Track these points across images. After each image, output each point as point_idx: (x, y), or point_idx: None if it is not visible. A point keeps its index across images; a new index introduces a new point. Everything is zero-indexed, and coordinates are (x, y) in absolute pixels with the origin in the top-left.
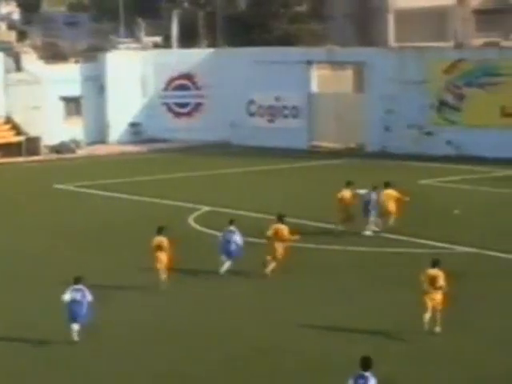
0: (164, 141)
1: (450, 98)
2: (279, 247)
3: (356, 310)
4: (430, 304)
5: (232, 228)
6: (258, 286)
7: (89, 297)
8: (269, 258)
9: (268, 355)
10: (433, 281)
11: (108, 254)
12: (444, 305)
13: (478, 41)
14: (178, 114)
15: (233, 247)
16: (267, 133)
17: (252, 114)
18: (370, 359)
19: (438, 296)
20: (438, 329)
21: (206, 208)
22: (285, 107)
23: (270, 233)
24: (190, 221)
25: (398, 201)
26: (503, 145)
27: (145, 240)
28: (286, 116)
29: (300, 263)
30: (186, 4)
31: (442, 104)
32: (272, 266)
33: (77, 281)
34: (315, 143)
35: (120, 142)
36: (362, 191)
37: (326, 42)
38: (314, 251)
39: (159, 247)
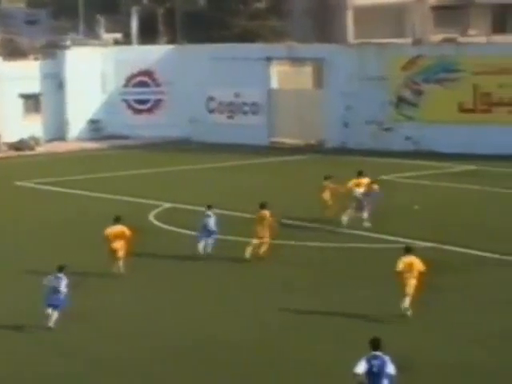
0: (124, 137)
1: (407, 94)
2: (265, 233)
3: (317, 304)
4: (407, 289)
5: (208, 213)
6: (220, 279)
7: (63, 288)
8: (255, 241)
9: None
10: (408, 267)
11: (68, 249)
12: (418, 289)
13: (437, 37)
14: (138, 111)
15: (209, 229)
16: (227, 129)
17: (212, 111)
18: (380, 340)
19: (413, 281)
20: (408, 312)
21: (166, 205)
22: (244, 103)
23: (257, 215)
24: (151, 217)
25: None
26: (461, 140)
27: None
28: (245, 112)
29: (262, 258)
30: (145, 0)
31: (400, 100)
32: (265, 246)
33: (59, 269)
34: (275, 139)
35: (80, 139)
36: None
37: (286, 38)
38: (275, 246)
39: (118, 236)
